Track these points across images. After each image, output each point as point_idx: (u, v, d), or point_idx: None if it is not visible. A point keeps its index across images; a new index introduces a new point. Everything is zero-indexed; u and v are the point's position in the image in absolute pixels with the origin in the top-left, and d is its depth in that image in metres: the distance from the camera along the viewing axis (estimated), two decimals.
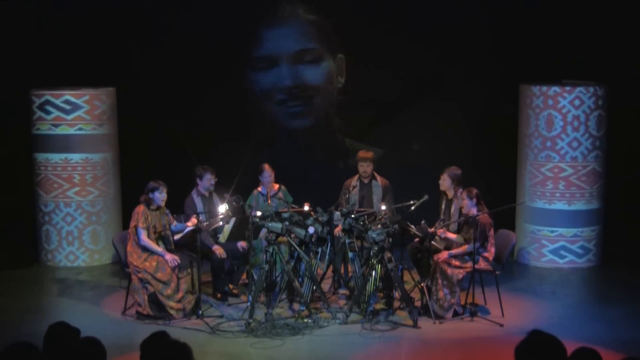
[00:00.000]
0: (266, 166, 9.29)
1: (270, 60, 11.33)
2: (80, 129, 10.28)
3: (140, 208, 8.35)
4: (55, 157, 10.28)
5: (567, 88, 10.12)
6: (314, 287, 8.49)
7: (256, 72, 11.37)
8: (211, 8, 11.09)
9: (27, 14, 11.03)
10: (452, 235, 8.50)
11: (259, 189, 9.35)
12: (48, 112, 10.23)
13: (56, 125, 10.24)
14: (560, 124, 10.14)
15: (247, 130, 11.32)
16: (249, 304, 8.29)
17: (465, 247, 8.30)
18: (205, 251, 8.64)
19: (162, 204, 8.45)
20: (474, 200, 8.25)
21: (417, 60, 11.04)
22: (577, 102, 10.09)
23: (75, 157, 10.30)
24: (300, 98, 11.41)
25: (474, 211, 8.23)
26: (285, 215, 8.39)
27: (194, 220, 8.43)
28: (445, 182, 8.80)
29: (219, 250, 8.73)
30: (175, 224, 8.65)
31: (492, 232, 8.35)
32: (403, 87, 11.27)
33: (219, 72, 11.19)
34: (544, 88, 10.18)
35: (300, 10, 11.23)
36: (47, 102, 10.21)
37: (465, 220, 8.39)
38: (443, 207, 8.89)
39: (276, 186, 9.38)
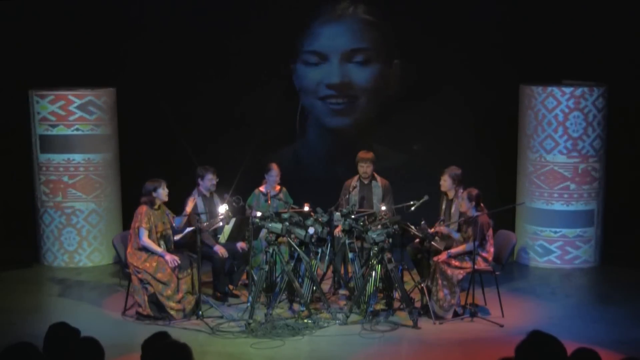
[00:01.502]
0: (274, 165, 9.30)
1: (321, 56, 11.33)
2: (77, 129, 10.29)
3: (143, 209, 8.35)
4: (58, 158, 10.30)
5: (568, 88, 10.14)
6: (314, 288, 8.49)
7: (305, 66, 11.38)
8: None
9: (26, 14, 11.03)
10: (454, 236, 8.51)
11: (261, 188, 9.34)
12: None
13: (54, 126, 10.26)
14: (533, 123, 10.25)
15: (248, 129, 11.32)
16: (249, 304, 8.28)
17: (464, 247, 8.30)
18: (205, 251, 8.65)
19: (167, 198, 8.46)
20: (473, 202, 8.25)
21: (425, 60, 11.05)
22: (552, 103, 10.11)
23: (77, 157, 10.32)
24: (344, 96, 11.44)
25: (472, 212, 8.24)
26: (285, 215, 8.40)
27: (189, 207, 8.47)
28: (446, 183, 8.80)
29: (221, 250, 8.74)
30: (175, 222, 8.64)
31: (490, 232, 8.35)
32: (410, 86, 11.27)
33: (222, 70, 11.20)
34: (541, 88, 10.21)
35: (360, 10, 11.25)
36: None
37: (465, 220, 8.39)
38: (443, 207, 8.89)
39: (278, 187, 9.38)
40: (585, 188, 10.24)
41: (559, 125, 10.12)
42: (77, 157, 10.30)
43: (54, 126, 10.27)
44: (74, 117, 10.26)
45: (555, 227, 10.30)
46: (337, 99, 11.43)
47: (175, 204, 8.75)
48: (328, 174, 11.10)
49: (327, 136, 11.61)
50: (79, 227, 10.38)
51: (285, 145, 11.48)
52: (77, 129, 10.28)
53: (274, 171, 9.27)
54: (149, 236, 8.31)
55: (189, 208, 8.57)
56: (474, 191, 8.29)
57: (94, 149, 10.35)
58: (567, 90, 10.09)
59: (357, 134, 11.38)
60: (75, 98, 10.25)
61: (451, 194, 8.81)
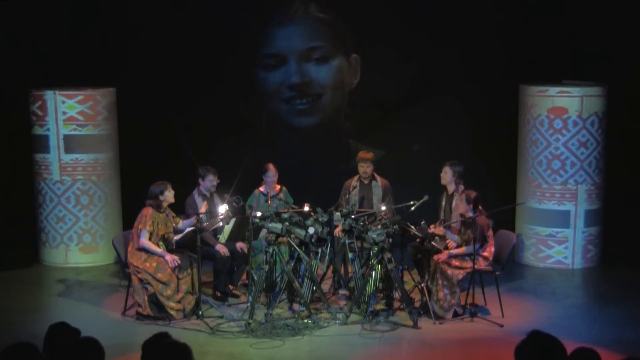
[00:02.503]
0: (271, 166, 9.31)
1: (279, 58, 11.37)
2: (103, 129, 10.38)
3: (149, 210, 8.35)
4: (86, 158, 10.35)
5: (562, 88, 10.14)
6: (314, 288, 8.50)
7: (265, 70, 11.43)
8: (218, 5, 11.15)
9: (25, 14, 11.03)
10: (453, 234, 8.50)
11: (261, 189, 9.35)
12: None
13: (82, 126, 10.30)
14: (526, 123, 10.32)
15: (248, 130, 11.32)
16: (249, 304, 8.29)
17: (464, 249, 8.31)
18: (207, 251, 8.65)
19: (173, 199, 8.49)
20: (471, 205, 8.24)
21: (424, 60, 11.04)
22: (545, 103, 10.13)
23: (77, 157, 10.33)
24: (307, 95, 11.47)
25: (470, 214, 8.24)
26: (285, 215, 8.40)
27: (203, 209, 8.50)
28: (446, 175, 8.79)
29: (223, 250, 8.74)
30: (182, 223, 8.65)
31: (490, 232, 8.35)
32: (406, 87, 11.27)
33: (221, 70, 11.20)
34: (541, 88, 10.20)
35: (313, 9, 11.28)
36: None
37: (464, 221, 8.39)
38: (443, 203, 8.88)
39: (277, 187, 9.39)
40: (557, 188, 10.20)
41: (550, 125, 10.11)
42: (103, 157, 10.41)
43: (82, 126, 10.29)
44: (101, 117, 10.34)
45: (530, 224, 10.36)
46: (300, 99, 11.48)
47: (176, 204, 8.75)
48: (303, 174, 11.14)
49: (297, 137, 11.62)
50: (88, 227, 10.42)
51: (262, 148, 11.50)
52: (103, 129, 10.36)
53: (271, 172, 9.27)
54: (150, 238, 8.31)
55: (202, 209, 8.59)
56: (472, 193, 8.28)
57: (99, 149, 10.39)
58: (561, 89, 10.08)
59: (357, 135, 11.43)
60: (101, 97, 10.32)
61: (451, 189, 8.80)
